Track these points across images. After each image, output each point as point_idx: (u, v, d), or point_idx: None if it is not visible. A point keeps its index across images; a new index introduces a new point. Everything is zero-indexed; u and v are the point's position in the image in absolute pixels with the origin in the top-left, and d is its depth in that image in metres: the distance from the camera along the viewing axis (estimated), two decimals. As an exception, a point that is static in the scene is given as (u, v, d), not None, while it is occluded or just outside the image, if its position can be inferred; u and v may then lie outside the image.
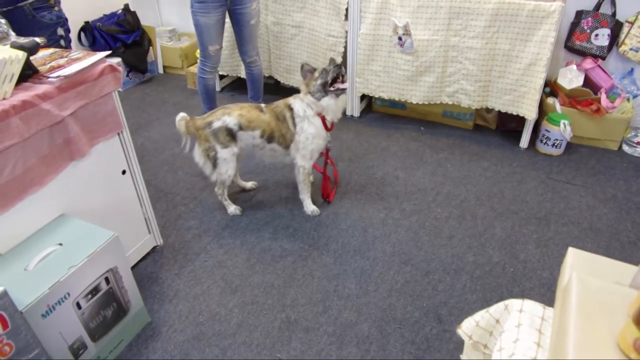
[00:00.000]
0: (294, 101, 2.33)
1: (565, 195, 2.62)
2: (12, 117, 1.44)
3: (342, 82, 2.25)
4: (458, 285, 2.05)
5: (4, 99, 1.46)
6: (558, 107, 2.99)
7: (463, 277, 2.09)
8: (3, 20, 1.69)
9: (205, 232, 2.40)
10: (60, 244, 1.60)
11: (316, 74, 2.27)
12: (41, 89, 1.54)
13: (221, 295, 2.03)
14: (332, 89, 2.24)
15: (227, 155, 2.30)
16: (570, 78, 3.00)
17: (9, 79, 1.46)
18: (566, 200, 2.57)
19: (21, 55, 1.47)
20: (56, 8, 2.35)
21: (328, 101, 2.27)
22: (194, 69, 3.76)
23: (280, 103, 2.35)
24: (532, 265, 2.15)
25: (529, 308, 1.08)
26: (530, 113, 2.87)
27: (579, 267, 0.97)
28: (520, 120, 3.04)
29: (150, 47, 4.25)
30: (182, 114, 2.37)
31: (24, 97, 1.48)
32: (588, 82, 3.00)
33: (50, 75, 1.58)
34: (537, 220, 2.43)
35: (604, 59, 3.05)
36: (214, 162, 2.33)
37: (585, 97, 2.94)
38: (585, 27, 3.02)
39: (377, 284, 2.06)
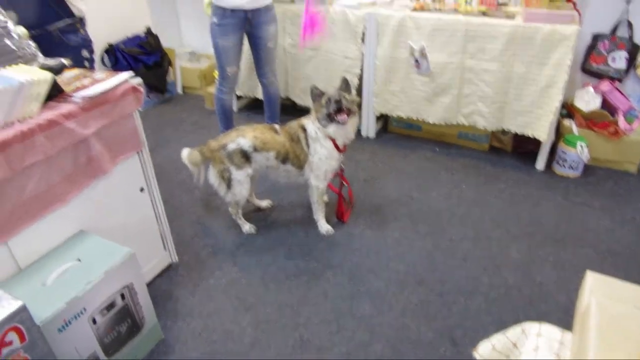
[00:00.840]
0: (307, 122, 2.35)
1: (583, 218, 2.58)
2: (37, 135, 1.49)
3: (348, 113, 2.23)
4: (473, 307, 2.03)
5: (30, 117, 1.51)
6: (575, 128, 2.97)
7: (478, 298, 2.07)
8: (32, 43, 1.76)
9: (220, 250, 2.41)
10: (79, 260, 1.63)
11: (323, 101, 2.26)
12: (66, 108, 1.59)
13: (235, 313, 2.03)
14: (336, 118, 2.24)
15: (241, 176, 2.33)
16: (587, 100, 2.99)
17: (36, 99, 1.51)
18: (583, 223, 2.54)
19: (48, 76, 1.53)
20: (82, 31, 2.43)
21: (335, 128, 2.27)
22: (212, 89, 3.83)
23: (294, 124, 2.38)
24: (549, 288, 2.12)
25: (547, 332, 1.06)
26: (543, 135, 2.86)
27: (598, 291, 0.96)
28: (537, 142, 3.03)
29: (170, 68, 4.35)
30: (187, 149, 2.41)
31: (50, 116, 1.53)
32: (605, 104, 2.98)
33: (75, 95, 1.63)
34: (553, 243, 2.39)
35: (621, 81, 3.04)
36: (229, 184, 2.35)
37: (603, 119, 2.92)
38: (602, 50, 3.02)
39: (391, 305, 2.05)
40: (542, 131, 2.87)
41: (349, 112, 2.25)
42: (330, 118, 2.25)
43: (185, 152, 2.41)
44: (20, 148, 1.45)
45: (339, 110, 2.21)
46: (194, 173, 2.44)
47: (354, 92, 3.16)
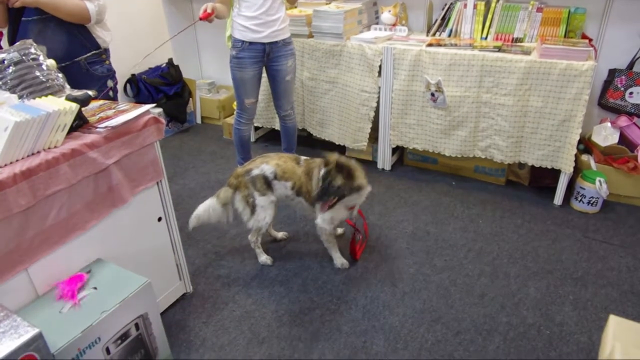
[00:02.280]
0: None
1: (603, 255, 2.53)
2: (61, 164, 1.53)
3: (335, 201, 2.20)
4: (491, 346, 1.98)
5: (55, 146, 1.56)
6: (593, 164, 2.94)
7: (496, 338, 2.02)
8: (60, 75, 1.82)
9: (234, 281, 2.40)
10: (95, 288, 1.64)
11: (321, 172, 2.21)
12: (89, 138, 1.63)
13: (248, 346, 2.01)
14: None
15: (265, 202, 2.35)
16: (605, 135, 2.97)
17: (62, 129, 1.56)
18: (604, 261, 2.48)
19: (74, 107, 1.57)
20: (107, 62, 2.51)
21: None
22: (231, 120, 3.89)
23: (317, 160, 2.37)
24: (570, 328, 2.06)
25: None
26: (567, 167, 2.84)
27: (622, 337, 0.93)
28: (554, 176, 3.00)
29: (190, 99, 4.45)
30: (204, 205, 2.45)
31: (73, 145, 1.57)
32: (623, 139, 2.96)
33: (99, 126, 1.67)
34: (573, 281, 2.34)
35: (639, 116, 3.02)
36: (253, 209, 2.37)
37: (621, 155, 2.89)
38: (619, 85, 3.02)
39: (406, 342, 2.01)
40: (565, 163, 2.85)
41: (337, 199, 2.21)
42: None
43: (204, 204, 2.43)
44: (44, 176, 1.48)
45: (320, 199, 2.19)
46: (222, 219, 2.44)
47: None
